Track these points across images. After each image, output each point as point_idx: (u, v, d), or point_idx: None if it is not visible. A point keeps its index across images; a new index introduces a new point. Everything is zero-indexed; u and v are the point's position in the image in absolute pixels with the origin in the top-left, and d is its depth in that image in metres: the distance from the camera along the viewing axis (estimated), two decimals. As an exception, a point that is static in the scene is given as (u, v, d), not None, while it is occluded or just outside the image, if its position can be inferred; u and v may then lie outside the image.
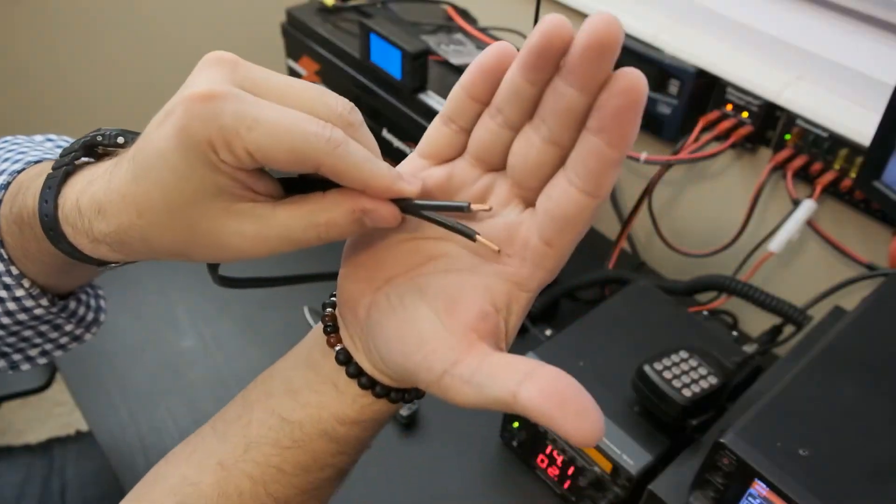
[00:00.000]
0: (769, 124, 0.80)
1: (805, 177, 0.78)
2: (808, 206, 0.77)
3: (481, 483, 0.72)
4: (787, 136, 0.78)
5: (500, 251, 0.33)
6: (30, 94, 1.45)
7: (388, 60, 0.81)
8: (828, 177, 0.75)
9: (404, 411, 0.75)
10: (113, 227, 0.35)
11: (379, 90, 0.86)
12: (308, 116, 0.31)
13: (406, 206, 0.32)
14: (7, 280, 0.45)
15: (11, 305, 0.47)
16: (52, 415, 1.68)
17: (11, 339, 0.51)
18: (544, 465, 0.70)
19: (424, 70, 0.81)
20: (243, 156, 0.30)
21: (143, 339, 0.85)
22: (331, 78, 0.93)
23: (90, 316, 0.56)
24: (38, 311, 0.48)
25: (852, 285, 0.72)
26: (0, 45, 1.36)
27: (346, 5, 0.96)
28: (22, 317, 0.48)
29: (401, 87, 0.82)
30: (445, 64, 0.87)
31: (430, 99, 0.81)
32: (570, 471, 0.67)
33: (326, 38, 0.91)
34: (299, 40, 0.95)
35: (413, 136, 0.84)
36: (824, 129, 0.74)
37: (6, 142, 0.48)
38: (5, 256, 0.44)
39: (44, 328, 0.52)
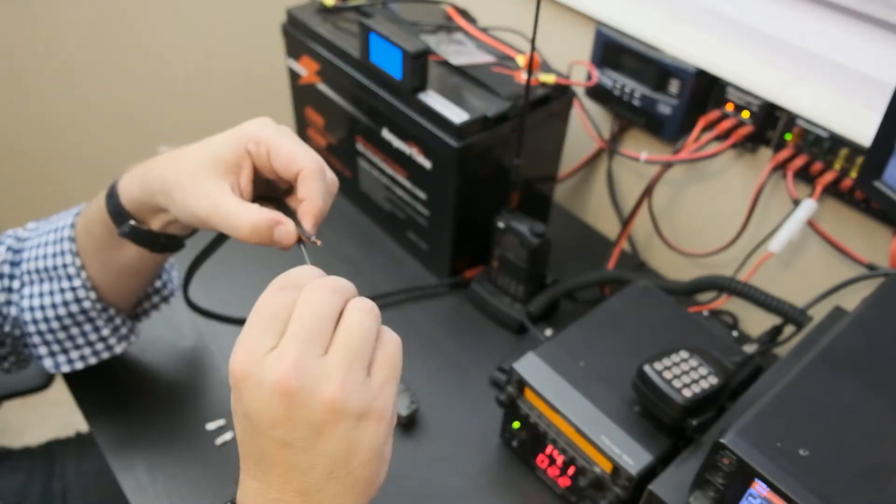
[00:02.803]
0: (769, 124, 0.80)
1: (805, 177, 0.78)
2: (808, 206, 0.77)
3: (481, 483, 0.72)
4: (788, 136, 0.78)
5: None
6: (27, 94, 1.45)
7: (388, 60, 0.81)
8: (828, 177, 0.75)
9: (404, 411, 0.75)
10: (150, 165, 0.55)
11: (379, 90, 0.86)
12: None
13: (300, 235, 0.51)
14: (70, 270, 0.61)
15: (69, 295, 0.62)
16: (52, 415, 1.68)
17: (61, 335, 0.65)
18: (544, 466, 0.69)
19: (424, 70, 0.81)
20: (263, 151, 0.51)
21: (143, 339, 0.85)
22: (331, 78, 0.93)
23: (124, 330, 0.70)
24: (86, 304, 0.63)
25: (852, 285, 0.72)
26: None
27: (346, 5, 0.96)
28: (73, 308, 0.63)
29: (401, 87, 0.82)
30: (445, 64, 0.87)
31: (430, 99, 0.81)
32: (571, 471, 0.67)
33: (326, 38, 0.91)
34: (299, 40, 0.95)
35: (413, 135, 0.84)
36: (825, 129, 0.74)
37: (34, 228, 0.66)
38: (75, 250, 0.61)
39: (87, 327, 0.66)
